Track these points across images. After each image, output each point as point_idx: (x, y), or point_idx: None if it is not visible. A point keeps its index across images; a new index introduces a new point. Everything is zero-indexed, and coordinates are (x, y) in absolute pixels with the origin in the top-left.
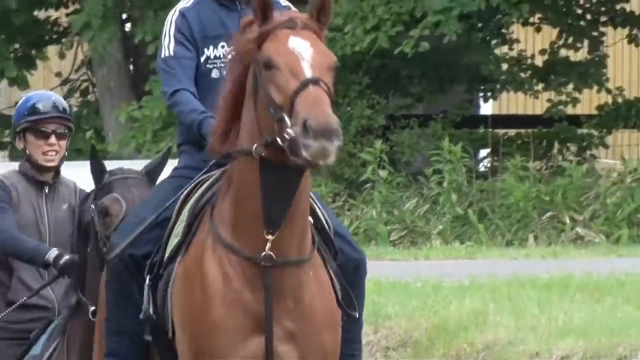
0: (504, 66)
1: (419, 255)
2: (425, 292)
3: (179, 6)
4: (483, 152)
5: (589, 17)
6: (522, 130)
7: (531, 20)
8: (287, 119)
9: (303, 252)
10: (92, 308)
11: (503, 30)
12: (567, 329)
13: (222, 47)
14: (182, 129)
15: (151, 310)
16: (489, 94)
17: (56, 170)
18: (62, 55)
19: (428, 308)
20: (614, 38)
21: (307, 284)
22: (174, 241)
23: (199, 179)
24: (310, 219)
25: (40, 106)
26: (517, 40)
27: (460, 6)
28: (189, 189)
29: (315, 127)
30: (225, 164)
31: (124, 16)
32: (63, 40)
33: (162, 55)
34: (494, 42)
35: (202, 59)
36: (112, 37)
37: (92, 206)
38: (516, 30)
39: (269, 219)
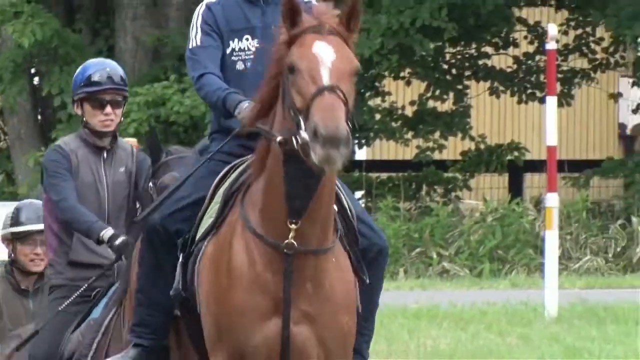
0: (377, 116)
1: None
2: None
3: (205, 1)
4: (358, 194)
5: (454, 71)
6: (394, 174)
7: (402, 74)
8: (302, 122)
9: (325, 241)
10: None
11: (376, 84)
12: (435, 353)
13: (247, 39)
14: (214, 119)
15: (180, 287)
16: (363, 141)
17: (113, 135)
18: None
19: None
20: (477, 90)
21: (327, 269)
22: (208, 221)
23: (234, 163)
24: (335, 207)
25: (96, 77)
26: (389, 93)
27: None
28: (223, 172)
29: (323, 135)
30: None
31: (33, 71)
32: None
33: (190, 46)
34: (367, 94)
35: (228, 50)
36: (22, 89)
37: (151, 184)
38: (388, 83)
39: (292, 209)
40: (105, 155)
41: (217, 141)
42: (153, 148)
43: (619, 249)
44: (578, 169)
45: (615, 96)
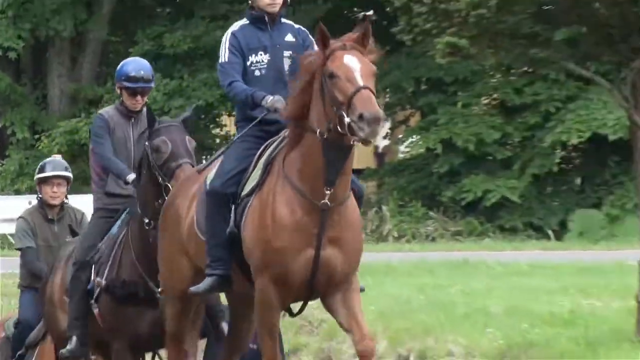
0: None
1: None
2: None
3: (231, 29)
4: None
5: None
6: None
7: None
8: (344, 114)
9: (347, 194)
10: (146, 220)
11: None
12: None
13: (260, 54)
14: (238, 111)
15: (234, 226)
16: None
17: (140, 110)
18: None
19: None
20: None
21: (346, 209)
22: (252, 183)
23: (267, 143)
24: None
25: (132, 74)
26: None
27: None
28: (261, 149)
29: (368, 117)
30: (279, 131)
31: None
32: None
33: (220, 62)
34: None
35: (248, 63)
36: None
37: (147, 144)
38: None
39: (328, 180)
40: (133, 120)
41: (242, 127)
42: (150, 120)
43: (374, 227)
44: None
45: None
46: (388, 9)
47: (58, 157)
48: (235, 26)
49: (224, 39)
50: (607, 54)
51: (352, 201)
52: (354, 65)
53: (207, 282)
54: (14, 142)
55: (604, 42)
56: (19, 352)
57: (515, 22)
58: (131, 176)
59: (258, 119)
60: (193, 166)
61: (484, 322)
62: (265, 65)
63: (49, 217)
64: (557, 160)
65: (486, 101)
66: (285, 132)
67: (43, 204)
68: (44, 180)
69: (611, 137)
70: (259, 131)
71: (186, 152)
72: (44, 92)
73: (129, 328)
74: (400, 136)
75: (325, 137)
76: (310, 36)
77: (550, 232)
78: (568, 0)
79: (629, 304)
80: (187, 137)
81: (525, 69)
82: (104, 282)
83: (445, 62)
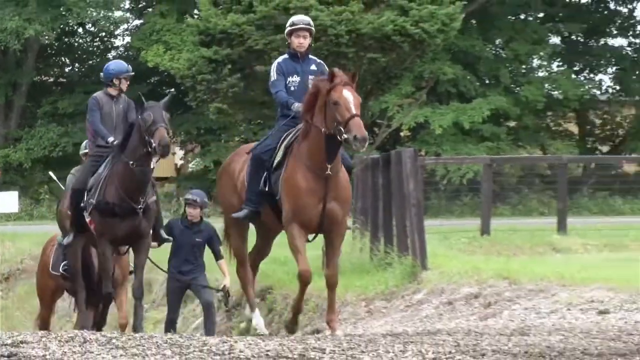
0: None
1: None
2: None
3: (277, 60)
4: None
5: None
6: None
7: None
8: (343, 129)
9: (340, 166)
10: (130, 162)
11: None
12: None
13: (295, 77)
14: (279, 108)
15: (265, 187)
16: None
17: (120, 92)
18: None
19: None
20: None
21: (340, 176)
22: (276, 159)
23: (289, 132)
24: None
25: (112, 71)
26: None
27: None
28: (284, 135)
29: (360, 138)
30: (298, 123)
31: None
32: None
33: (271, 80)
34: None
35: (287, 82)
36: None
37: (139, 117)
38: None
39: (329, 158)
40: (114, 100)
41: (280, 120)
42: (139, 102)
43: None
44: None
45: None
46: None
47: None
48: (280, 58)
49: (273, 66)
50: None
51: (343, 171)
52: (350, 98)
53: (243, 212)
54: None
55: None
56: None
57: (254, 95)
58: (111, 138)
59: (292, 115)
60: (167, 129)
61: None
62: (297, 84)
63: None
64: None
65: (237, 139)
66: (299, 126)
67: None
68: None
69: None
70: (290, 123)
71: (162, 120)
72: None
73: (110, 231)
74: (189, 158)
75: (326, 133)
76: (326, 67)
77: None
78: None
79: None
80: (164, 112)
81: (260, 121)
82: (93, 201)
83: (215, 117)
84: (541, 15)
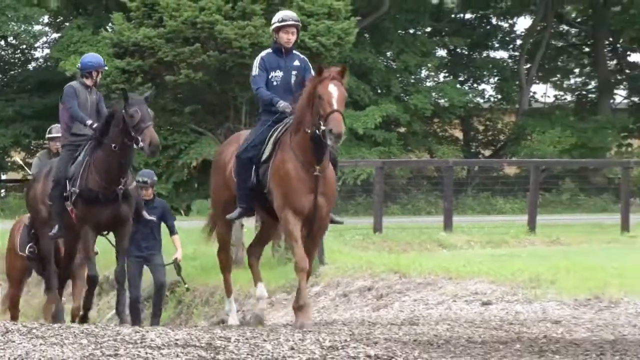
0: None
1: None
2: None
3: (261, 54)
4: None
5: None
6: None
7: None
8: (322, 123)
9: (328, 165)
10: (113, 145)
11: None
12: None
13: (277, 71)
14: (261, 104)
15: (254, 181)
16: None
17: (95, 84)
18: None
19: None
20: None
21: (328, 173)
22: (266, 153)
23: (276, 127)
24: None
25: (90, 63)
26: None
27: None
28: (272, 131)
29: (334, 133)
30: (282, 120)
31: None
32: None
33: (252, 74)
34: None
35: (269, 77)
36: None
37: (124, 111)
38: None
39: (317, 159)
40: (89, 90)
41: (263, 115)
42: (124, 96)
43: None
44: None
45: None
46: None
47: None
48: (264, 53)
49: (255, 60)
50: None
51: (330, 169)
52: (333, 92)
53: (237, 211)
54: None
55: (210, 113)
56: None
57: (164, 103)
58: (89, 121)
59: (278, 115)
60: (153, 127)
61: None
62: (279, 79)
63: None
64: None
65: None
66: (288, 120)
67: None
68: (51, 139)
69: None
70: (270, 121)
71: (149, 118)
72: None
73: (92, 218)
74: None
75: (310, 134)
76: (309, 62)
77: None
78: (191, 90)
79: None
80: (149, 109)
81: (169, 127)
82: (77, 190)
83: None
84: (429, 29)
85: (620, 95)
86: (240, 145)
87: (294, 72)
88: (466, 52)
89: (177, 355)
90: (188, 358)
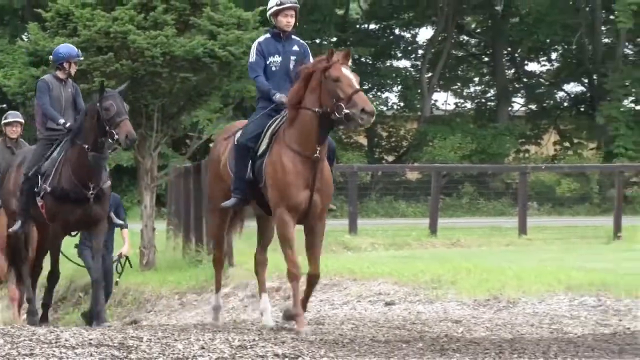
0: None
1: None
2: None
3: (258, 40)
4: None
5: None
6: None
7: None
8: (343, 105)
9: (325, 153)
10: (86, 146)
11: None
12: None
13: (276, 57)
14: (258, 94)
15: (250, 174)
16: None
17: (69, 75)
18: None
19: None
20: None
21: (324, 166)
22: (263, 146)
23: (274, 118)
24: None
25: (60, 54)
26: None
27: None
28: (270, 122)
29: (368, 111)
30: (280, 111)
31: None
32: None
33: (249, 61)
34: None
35: (267, 62)
36: None
37: (98, 105)
38: None
39: (319, 140)
40: (64, 84)
41: (260, 103)
42: (101, 90)
43: None
44: None
45: None
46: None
47: None
48: (261, 38)
49: (253, 46)
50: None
51: (326, 165)
52: (349, 74)
53: (231, 200)
54: None
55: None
56: None
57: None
58: (62, 120)
59: (274, 104)
60: (129, 121)
61: None
62: (278, 64)
63: (8, 145)
64: None
65: None
66: (284, 113)
67: None
68: (7, 124)
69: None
70: (270, 110)
71: (125, 112)
72: None
73: (63, 217)
74: None
75: (320, 113)
76: (308, 48)
77: None
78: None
79: None
80: (124, 103)
81: None
82: (49, 188)
83: None
84: (334, 39)
85: (518, 103)
86: (237, 135)
87: (292, 57)
88: (370, 62)
89: (91, 355)
90: (101, 357)
